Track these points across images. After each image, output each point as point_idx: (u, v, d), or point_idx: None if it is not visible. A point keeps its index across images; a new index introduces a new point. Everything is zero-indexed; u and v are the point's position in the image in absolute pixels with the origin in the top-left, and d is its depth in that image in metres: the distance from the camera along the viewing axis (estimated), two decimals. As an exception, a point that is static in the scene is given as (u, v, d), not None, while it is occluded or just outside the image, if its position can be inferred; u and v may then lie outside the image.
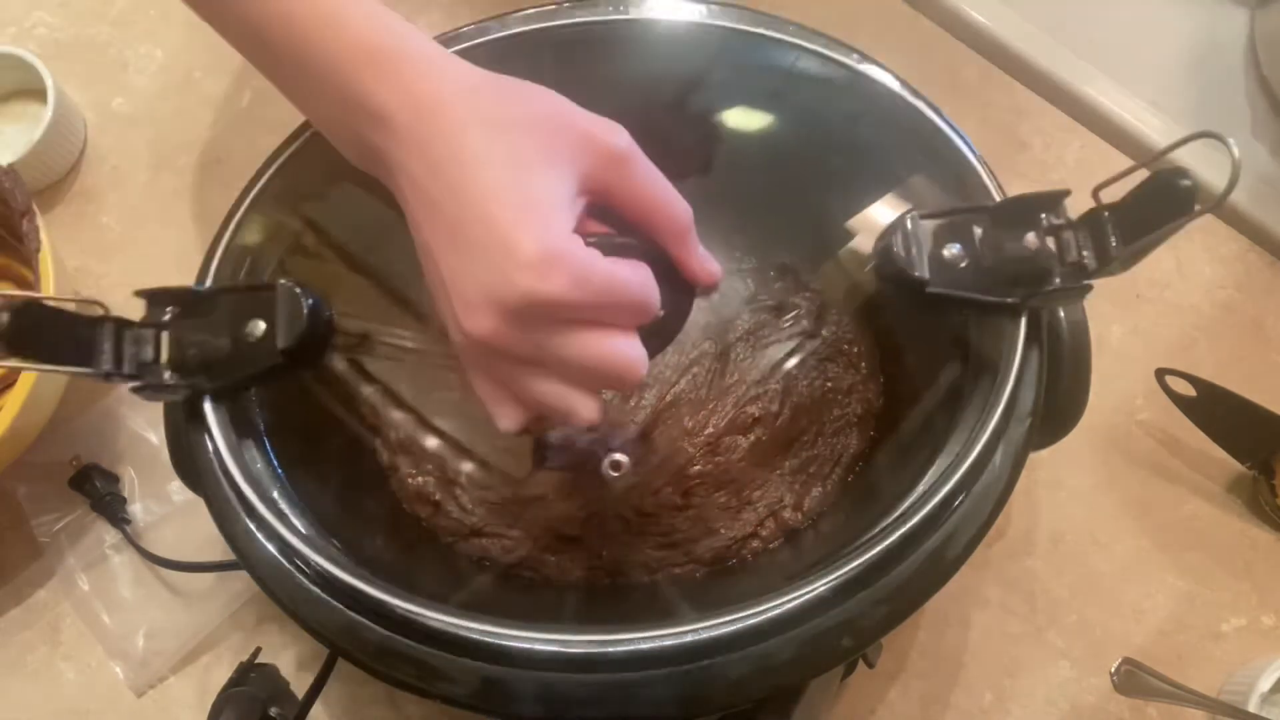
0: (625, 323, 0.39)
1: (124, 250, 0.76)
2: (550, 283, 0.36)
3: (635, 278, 0.39)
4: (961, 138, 0.52)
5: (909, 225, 0.46)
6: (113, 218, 0.77)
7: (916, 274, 0.46)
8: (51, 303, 0.45)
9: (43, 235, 0.64)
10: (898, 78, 0.53)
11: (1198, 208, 0.40)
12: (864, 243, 0.52)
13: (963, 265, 0.46)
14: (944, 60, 0.79)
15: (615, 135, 0.40)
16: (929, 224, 0.47)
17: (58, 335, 0.45)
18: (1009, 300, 0.46)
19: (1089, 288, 0.45)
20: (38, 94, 0.76)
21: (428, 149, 0.39)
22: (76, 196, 0.78)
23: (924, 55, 0.79)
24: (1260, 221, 0.73)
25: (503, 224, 0.37)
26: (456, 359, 0.43)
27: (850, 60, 0.53)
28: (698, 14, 0.55)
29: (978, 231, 0.46)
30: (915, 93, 0.53)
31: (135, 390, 0.48)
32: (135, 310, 0.73)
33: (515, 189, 0.37)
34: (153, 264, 0.75)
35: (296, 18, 0.41)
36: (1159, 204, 0.42)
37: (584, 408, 0.40)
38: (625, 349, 0.39)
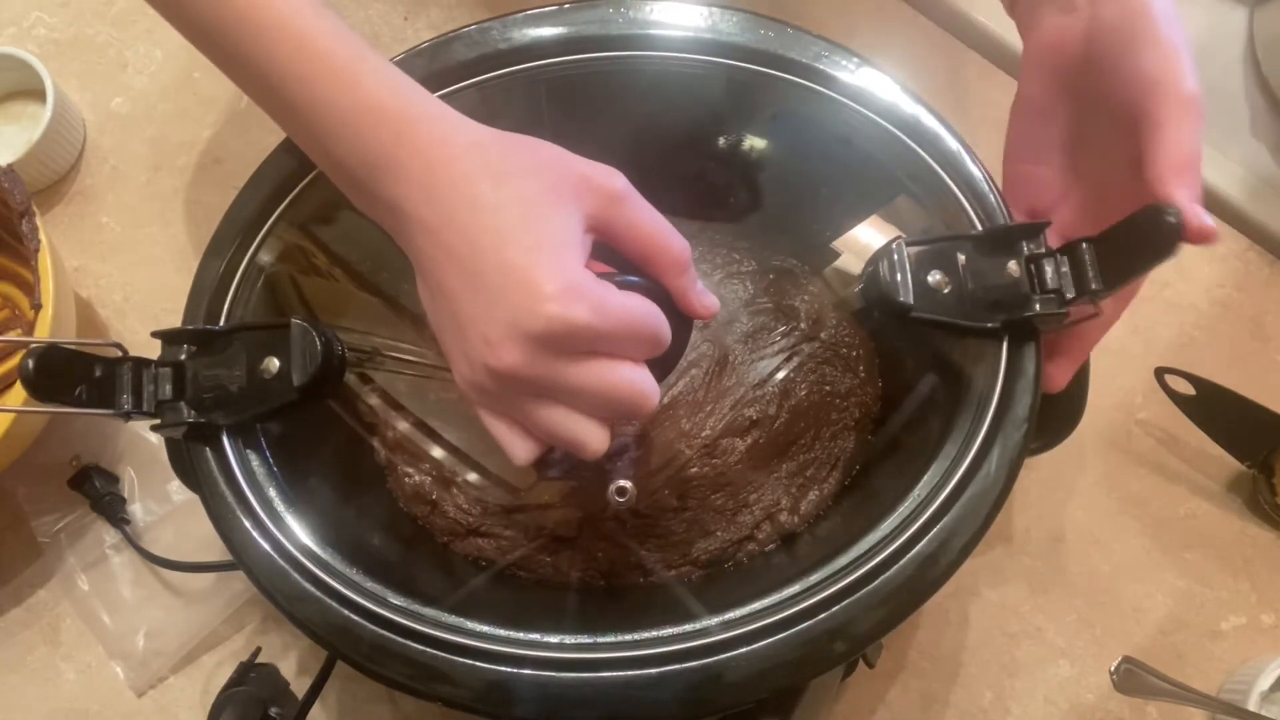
0: (637, 355, 0.41)
1: (123, 250, 0.76)
2: (573, 310, 0.38)
3: (648, 310, 0.41)
4: (960, 141, 0.52)
5: (895, 251, 0.47)
6: (112, 218, 0.77)
7: (901, 299, 0.47)
8: (71, 346, 0.47)
9: (42, 235, 0.64)
10: (897, 82, 0.53)
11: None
12: (862, 248, 0.52)
13: (946, 291, 0.47)
14: (944, 59, 0.79)
15: (613, 178, 0.42)
16: (915, 250, 0.47)
17: (78, 378, 0.47)
18: (989, 325, 0.47)
19: (1066, 314, 0.46)
20: (37, 94, 0.76)
21: (440, 198, 0.41)
22: (76, 196, 0.78)
23: (924, 55, 0.79)
24: (1260, 221, 0.72)
25: (519, 266, 0.39)
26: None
27: (849, 65, 0.53)
28: (699, 17, 0.55)
29: (961, 259, 0.48)
30: (915, 98, 0.52)
31: (154, 428, 0.49)
32: (134, 311, 0.74)
33: (527, 232, 0.40)
34: (152, 264, 0.75)
35: (311, 78, 0.44)
36: (1141, 238, 0.43)
37: (594, 438, 0.41)
38: (639, 378, 0.41)
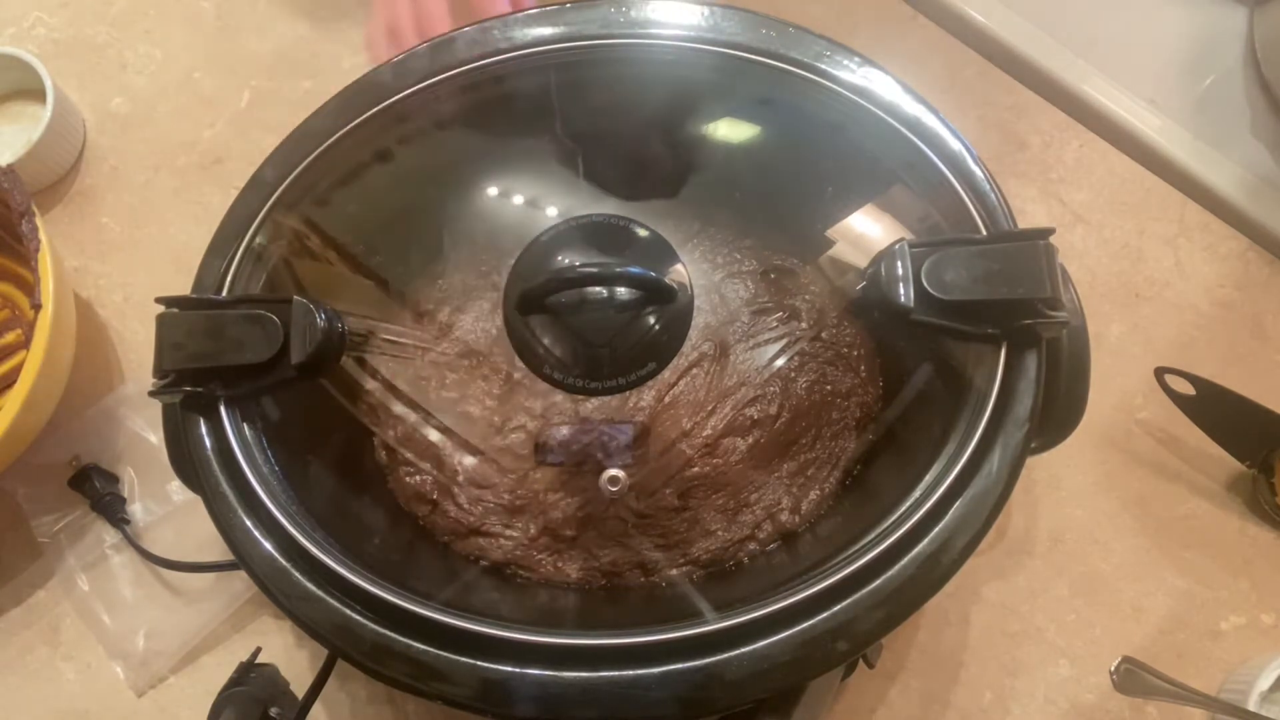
0: None
1: (123, 250, 0.76)
2: None
3: None
4: (961, 141, 0.52)
5: (898, 253, 0.47)
6: (112, 218, 0.77)
7: (901, 302, 0.46)
8: None
9: (42, 235, 0.64)
10: (898, 81, 0.53)
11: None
12: (865, 248, 0.52)
13: (948, 295, 0.47)
14: (943, 59, 0.79)
15: None
16: (918, 253, 0.47)
17: None
18: (989, 331, 0.47)
19: (1066, 322, 0.45)
20: (37, 94, 0.76)
21: None
22: (76, 196, 0.78)
23: (923, 54, 0.79)
24: (1260, 221, 0.72)
25: None
26: (454, 357, 0.43)
27: (850, 64, 0.53)
28: (699, 18, 0.55)
29: (965, 263, 0.47)
30: (916, 97, 0.52)
31: (153, 393, 0.49)
32: (134, 311, 0.74)
33: None
34: (152, 264, 0.75)
35: None
36: None
37: None
38: None
